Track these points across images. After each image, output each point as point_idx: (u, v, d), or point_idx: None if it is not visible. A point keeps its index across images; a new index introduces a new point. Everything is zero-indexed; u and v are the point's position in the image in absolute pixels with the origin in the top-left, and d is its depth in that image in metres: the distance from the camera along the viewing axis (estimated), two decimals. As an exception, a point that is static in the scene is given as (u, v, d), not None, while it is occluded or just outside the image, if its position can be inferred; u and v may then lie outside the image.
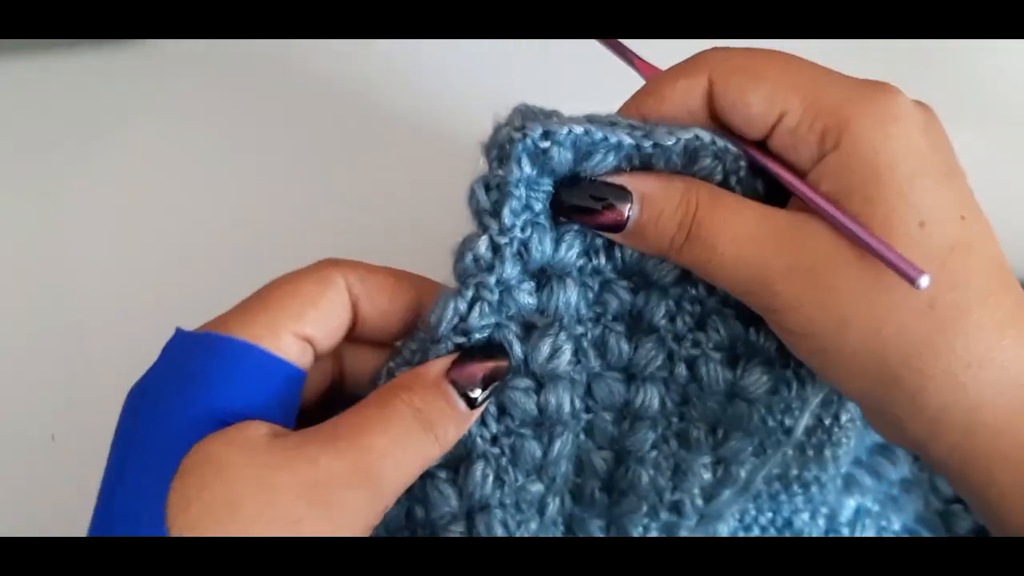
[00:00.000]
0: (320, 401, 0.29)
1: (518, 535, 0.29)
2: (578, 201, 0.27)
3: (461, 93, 0.46)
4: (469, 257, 0.27)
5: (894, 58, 0.40)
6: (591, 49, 0.47)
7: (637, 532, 0.31)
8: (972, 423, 0.24)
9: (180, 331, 0.26)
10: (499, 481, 0.29)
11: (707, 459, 0.31)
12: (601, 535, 0.31)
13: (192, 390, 0.25)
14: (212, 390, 0.25)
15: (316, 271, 0.28)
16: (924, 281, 0.23)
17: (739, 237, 0.26)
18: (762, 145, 0.27)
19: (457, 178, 0.45)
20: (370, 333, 0.29)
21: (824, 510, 0.34)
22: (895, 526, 0.35)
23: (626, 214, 0.27)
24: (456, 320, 0.27)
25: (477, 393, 0.26)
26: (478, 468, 0.28)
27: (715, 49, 0.27)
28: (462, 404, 0.26)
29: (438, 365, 0.27)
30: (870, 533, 0.34)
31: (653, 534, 0.31)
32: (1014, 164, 0.42)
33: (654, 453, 0.31)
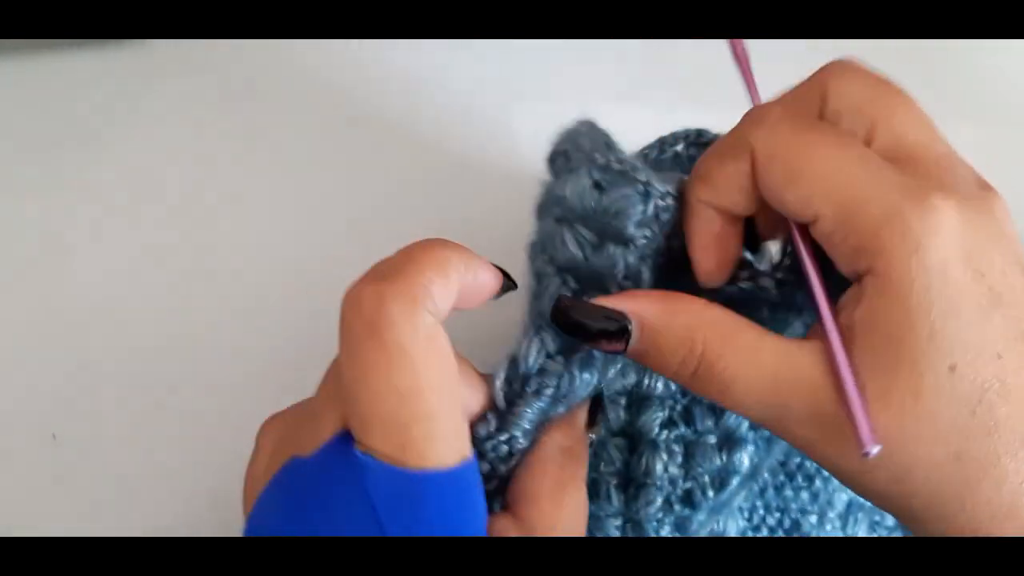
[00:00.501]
0: None
1: None
2: (578, 319, 0.26)
3: (462, 93, 0.46)
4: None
5: (894, 58, 0.40)
6: (591, 49, 0.47)
7: (651, 528, 0.31)
8: None
9: (377, 464, 0.23)
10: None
11: (712, 438, 0.31)
12: (618, 535, 0.31)
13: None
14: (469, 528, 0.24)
15: (415, 339, 0.23)
16: (874, 450, 0.22)
17: (755, 384, 0.24)
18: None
19: (458, 178, 0.45)
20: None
21: (831, 514, 0.34)
22: (888, 521, 0.35)
23: (625, 344, 0.25)
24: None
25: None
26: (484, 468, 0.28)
27: (760, 123, 0.25)
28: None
29: (582, 416, 0.28)
30: (862, 527, 0.34)
31: (666, 532, 0.31)
32: (1014, 164, 0.42)
33: (664, 434, 0.31)
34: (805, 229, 0.26)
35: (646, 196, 0.26)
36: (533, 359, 0.27)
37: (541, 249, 0.28)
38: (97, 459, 0.38)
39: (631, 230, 0.26)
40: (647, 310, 0.25)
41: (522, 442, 0.27)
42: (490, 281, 0.27)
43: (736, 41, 0.29)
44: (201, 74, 0.46)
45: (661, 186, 0.26)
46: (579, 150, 0.28)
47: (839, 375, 0.24)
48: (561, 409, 0.27)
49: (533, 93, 0.47)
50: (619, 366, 0.28)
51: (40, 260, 0.41)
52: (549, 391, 0.27)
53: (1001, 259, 0.24)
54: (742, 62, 0.29)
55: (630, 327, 0.25)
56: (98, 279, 0.41)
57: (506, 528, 0.26)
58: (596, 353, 0.27)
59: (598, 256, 0.27)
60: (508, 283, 0.28)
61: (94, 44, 0.45)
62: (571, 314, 0.26)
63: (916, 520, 0.24)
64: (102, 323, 0.40)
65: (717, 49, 0.34)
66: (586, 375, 0.27)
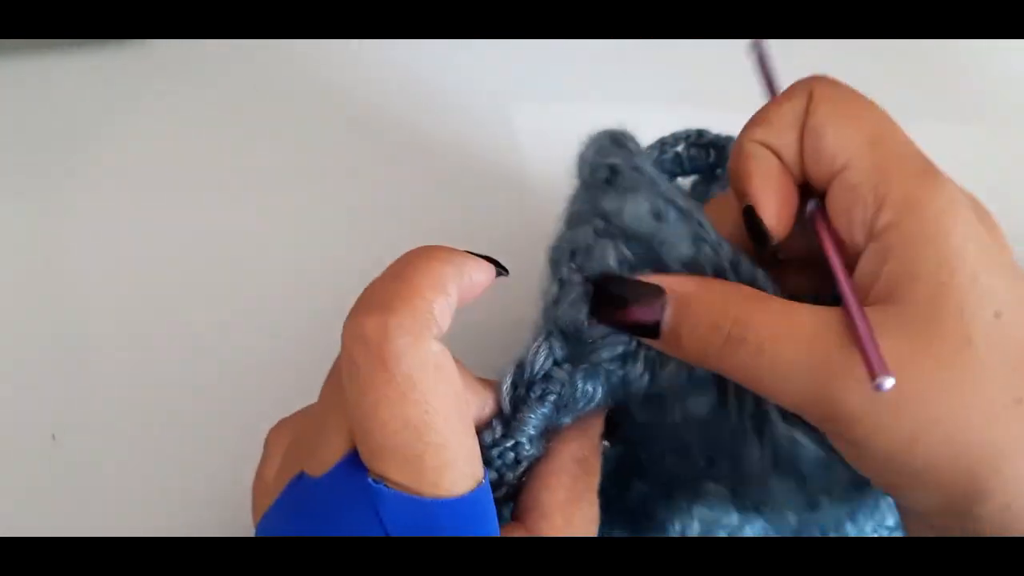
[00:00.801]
0: None
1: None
2: (615, 291, 0.26)
3: (462, 93, 0.46)
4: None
5: (895, 58, 0.40)
6: (591, 49, 0.47)
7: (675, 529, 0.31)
8: None
9: (393, 494, 0.23)
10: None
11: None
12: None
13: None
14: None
15: (424, 370, 0.23)
16: (888, 383, 0.21)
17: (791, 335, 0.24)
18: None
19: (457, 178, 0.45)
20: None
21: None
22: (889, 521, 0.35)
23: (658, 314, 0.25)
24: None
25: None
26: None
27: (825, 76, 0.26)
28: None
29: (597, 426, 0.28)
30: (868, 528, 0.34)
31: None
32: (1014, 164, 0.42)
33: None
34: (821, 212, 0.26)
35: (698, 240, 0.26)
36: (540, 364, 0.27)
37: (570, 256, 0.28)
38: (96, 460, 0.38)
39: (675, 266, 0.26)
40: (682, 284, 0.25)
41: (528, 449, 0.26)
42: (484, 277, 0.26)
43: (758, 41, 0.30)
44: (201, 74, 0.46)
45: (714, 233, 0.27)
46: (636, 170, 0.28)
47: (847, 304, 0.23)
48: (566, 419, 0.27)
49: (533, 93, 0.47)
50: (623, 373, 0.27)
51: (40, 260, 0.41)
52: (552, 398, 0.26)
53: (1005, 243, 0.25)
54: (763, 64, 0.29)
55: (665, 298, 0.25)
56: (98, 279, 0.41)
57: None
58: (602, 363, 0.27)
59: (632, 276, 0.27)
60: (500, 271, 0.27)
61: (94, 44, 0.45)
62: (609, 287, 0.26)
63: (977, 487, 0.22)
64: (102, 323, 0.40)
65: (717, 49, 0.34)
66: (588, 386, 0.27)
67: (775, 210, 0.26)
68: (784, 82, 0.29)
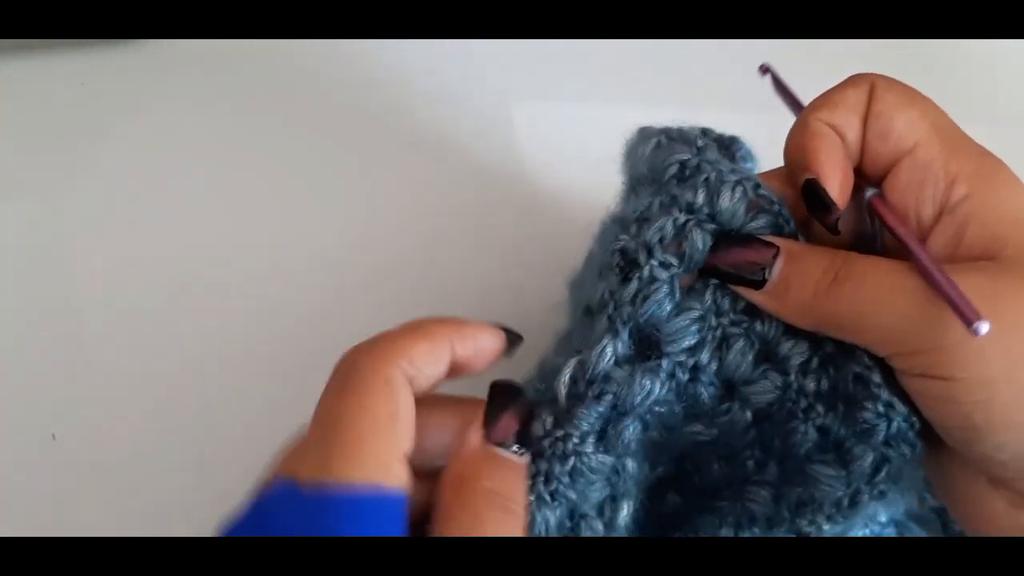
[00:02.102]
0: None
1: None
2: (735, 237, 0.27)
3: (463, 92, 0.46)
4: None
5: (895, 58, 0.40)
6: (591, 49, 0.47)
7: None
8: None
9: (286, 486, 0.24)
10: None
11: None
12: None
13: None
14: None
15: (375, 379, 0.25)
16: (983, 328, 0.22)
17: (892, 268, 0.25)
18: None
19: (457, 177, 0.45)
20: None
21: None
22: (881, 518, 0.35)
23: (770, 260, 0.27)
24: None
25: (520, 439, 0.27)
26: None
27: (878, 74, 0.28)
28: (518, 459, 0.26)
29: (473, 436, 0.26)
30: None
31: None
32: (1013, 164, 0.42)
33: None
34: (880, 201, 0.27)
35: (778, 227, 0.28)
36: (604, 362, 0.27)
37: (648, 253, 0.28)
38: (97, 460, 0.38)
39: None
40: (791, 244, 0.27)
41: (577, 443, 0.27)
42: (491, 343, 0.27)
43: (766, 65, 0.31)
44: (205, 74, 0.46)
45: (792, 222, 0.28)
46: (712, 164, 0.28)
47: (919, 261, 0.24)
48: (626, 420, 0.27)
49: (533, 93, 0.47)
50: (693, 361, 0.28)
51: (42, 260, 0.41)
52: (608, 398, 0.27)
53: None
54: (779, 82, 0.31)
55: (777, 249, 0.27)
56: (100, 279, 0.41)
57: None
58: (674, 355, 0.27)
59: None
60: (513, 338, 0.28)
61: (97, 44, 0.45)
62: (730, 236, 0.27)
63: None
64: (104, 323, 0.40)
65: (717, 49, 0.34)
66: (646, 381, 0.27)
67: (839, 184, 0.27)
68: (795, 88, 0.29)
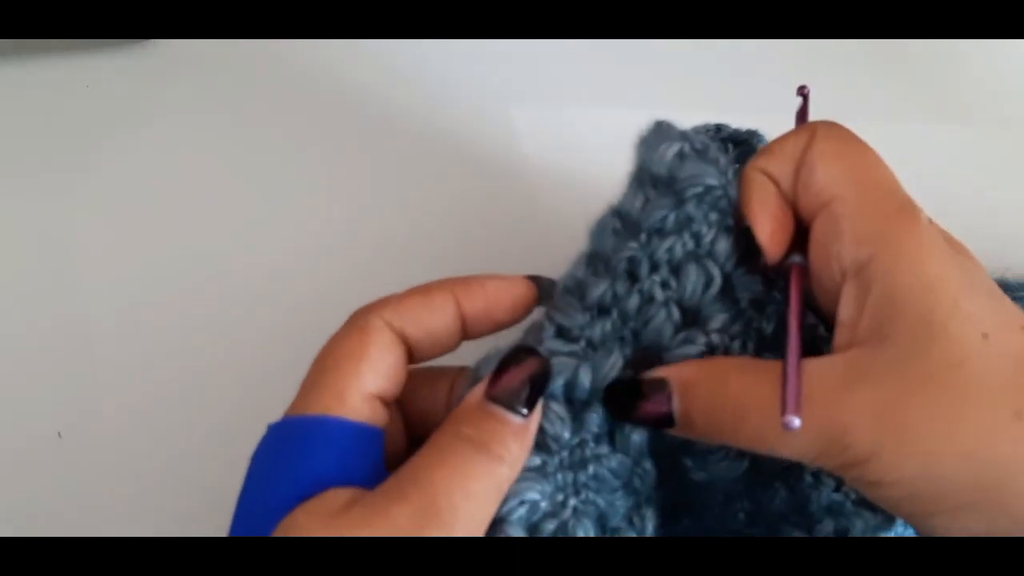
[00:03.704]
0: (410, 448, 0.29)
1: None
2: (622, 393, 0.27)
3: (462, 93, 0.46)
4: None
5: (895, 58, 0.40)
6: (591, 49, 0.47)
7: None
8: None
9: (271, 425, 0.27)
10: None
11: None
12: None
13: (278, 472, 0.26)
14: (293, 469, 0.25)
15: (352, 326, 0.28)
16: (795, 423, 0.23)
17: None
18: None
19: (457, 178, 0.45)
20: (429, 353, 0.29)
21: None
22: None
23: (667, 405, 0.26)
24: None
25: (523, 400, 0.26)
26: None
27: (830, 120, 0.28)
28: (513, 416, 0.26)
29: (477, 389, 0.27)
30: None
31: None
32: (1013, 164, 0.42)
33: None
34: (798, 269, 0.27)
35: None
36: (610, 372, 0.28)
37: (651, 269, 0.28)
38: (102, 458, 0.38)
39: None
40: (680, 371, 0.27)
41: (593, 447, 0.27)
42: (508, 291, 0.28)
43: (805, 87, 0.31)
44: (202, 74, 0.46)
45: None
46: (726, 197, 0.28)
47: (787, 343, 0.24)
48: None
49: (533, 93, 0.47)
50: None
51: (46, 260, 0.41)
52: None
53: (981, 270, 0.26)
54: (804, 106, 0.31)
55: (669, 388, 0.26)
56: (104, 278, 0.41)
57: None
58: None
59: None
60: (545, 284, 0.29)
61: (99, 44, 0.46)
62: (616, 391, 0.27)
63: (995, 503, 0.23)
64: (109, 322, 0.40)
65: (717, 50, 0.34)
66: None
67: (769, 231, 0.27)
68: (779, 82, 0.29)
